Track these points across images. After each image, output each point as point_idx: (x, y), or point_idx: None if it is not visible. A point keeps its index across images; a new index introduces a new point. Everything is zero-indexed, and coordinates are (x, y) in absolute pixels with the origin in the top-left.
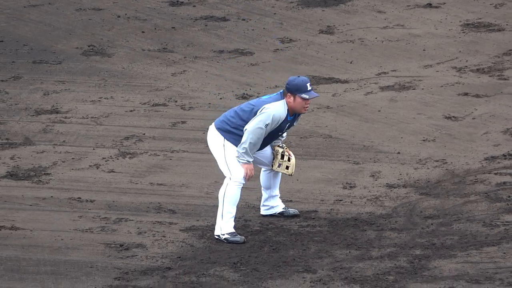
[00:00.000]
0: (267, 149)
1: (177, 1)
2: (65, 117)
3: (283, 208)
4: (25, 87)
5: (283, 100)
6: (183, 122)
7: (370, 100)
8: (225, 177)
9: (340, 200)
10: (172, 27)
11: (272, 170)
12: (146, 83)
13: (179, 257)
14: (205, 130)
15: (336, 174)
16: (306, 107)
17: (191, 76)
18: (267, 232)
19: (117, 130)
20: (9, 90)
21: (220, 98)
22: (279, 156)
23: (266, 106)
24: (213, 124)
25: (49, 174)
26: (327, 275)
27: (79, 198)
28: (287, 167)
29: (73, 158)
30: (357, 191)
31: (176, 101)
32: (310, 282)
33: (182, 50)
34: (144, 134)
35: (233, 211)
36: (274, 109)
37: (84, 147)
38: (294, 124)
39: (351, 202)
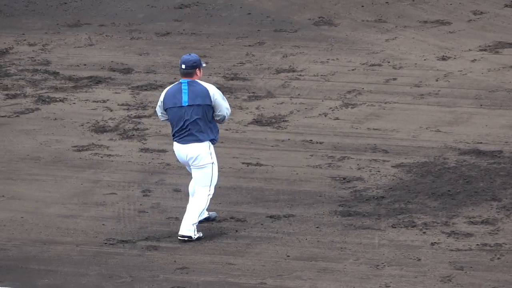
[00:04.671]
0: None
1: None
2: (300, 75)
3: (207, 214)
4: (268, 50)
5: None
6: (394, 79)
7: None
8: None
9: None
10: (386, 2)
11: None
12: (365, 47)
13: (391, 188)
14: (412, 85)
15: None
16: None
17: (401, 42)
18: (461, 168)
19: (341, 85)
20: (255, 53)
21: (424, 60)
22: None
23: (211, 87)
24: (190, 143)
25: (287, 121)
26: (510, 203)
27: (311, 140)
28: None
29: (306, 108)
30: None
31: (389, 62)
32: (496, 209)
33: (394, 20)
34: (363, 88)
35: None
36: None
37: (314, 99)
38: None
39: None
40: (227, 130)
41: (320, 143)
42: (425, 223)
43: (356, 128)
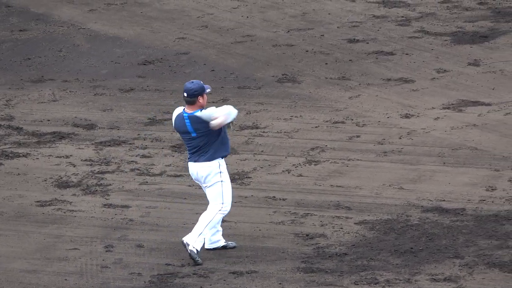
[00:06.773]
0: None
1: (354, 39)
2: (263, 132)
3: (224, 242)
4: None
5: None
6: (357, 136)
7: (509, 119)
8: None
9: (484, 200)
10: (350, 60)
11: None
12: (328, 105)
13: (353, 245)
14: (376, 143)
15: (480, 179)
16: None
17: (364, 99)
18: (424, 226)
19: (305, 142)
20: None
21: (388, 117)
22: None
23: (202, 113)
24: (197, 162)
25: (250, 177)
26: (472, 261)
27: (274, 197)
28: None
29: (269, 165)
30: (497, 193)
31: (352, 119)
32: (459, 266)
33: (357, 78)
34: (326, 145)
35: (208, 234)
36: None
37: (278, 155)
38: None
39: (492, 202)
40: (190, 186)
41: (283, 199)
42: (388, 280)
43: (319, 185)
